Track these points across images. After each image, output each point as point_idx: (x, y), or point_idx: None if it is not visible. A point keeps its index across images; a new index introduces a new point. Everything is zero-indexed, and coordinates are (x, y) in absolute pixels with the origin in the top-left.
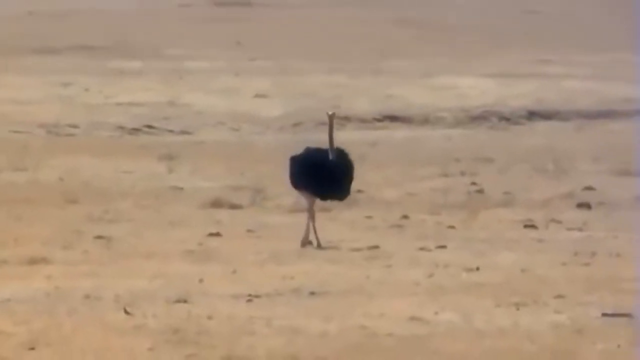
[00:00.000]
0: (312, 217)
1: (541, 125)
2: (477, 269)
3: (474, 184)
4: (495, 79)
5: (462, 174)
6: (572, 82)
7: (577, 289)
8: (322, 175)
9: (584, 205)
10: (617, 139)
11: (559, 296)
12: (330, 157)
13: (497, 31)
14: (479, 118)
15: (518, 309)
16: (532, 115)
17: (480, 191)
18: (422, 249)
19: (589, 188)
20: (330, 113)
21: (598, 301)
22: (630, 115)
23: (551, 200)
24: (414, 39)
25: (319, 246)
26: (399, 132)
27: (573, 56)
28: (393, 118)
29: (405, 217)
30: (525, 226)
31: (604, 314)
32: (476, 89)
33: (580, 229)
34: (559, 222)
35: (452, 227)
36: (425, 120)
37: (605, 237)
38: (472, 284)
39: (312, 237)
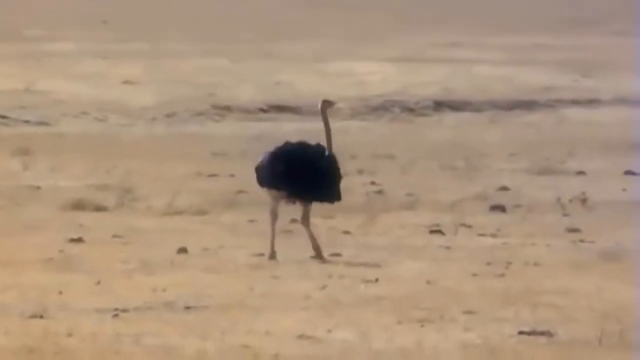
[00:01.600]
0: (307, 224)
1: (450, 117)
2: (376, 280)
3: (373, 183)
4: (397, 64)
5: (360, 172)
6: (484, 68)
7: (490, 303)
8: (315, 174)
9: (498, 208)
10: (535, 132)
11: (469, 311)
12: (327, 152)
13: (401, 9)
14: (379, 109)
15: (422, 326)
16: (440, 105)
17: (380, 192)
18: (313, 257)
19: (504, 188)
20: (328, 100)
21: (513, 317)
22: (550, 105)
23: (461, 202)
24: (305, 18)
25: (273, 258)
26: (288, 125)
27: (486, 38)
28: (281, 108)
29: (294, 221)
30: (431, 231)
31: (521, 332)
32: (376, 75)
33: (493, 235)
34: (470, 227)
35: (347, 232)
36: (318, 111)
37: (522, 244)
38: (371, 297)
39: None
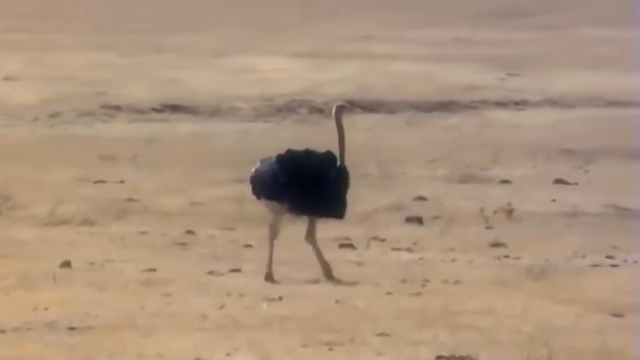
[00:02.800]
0: (313, 242)
1: (362, 119)
2: (280, 298)
3: None
4: (304, 59)
5: None
6: (400, 65)
7: (405, 324)
8: (325, 186)
9: (415, 220)
10: (456, 136)
11: (383, 334)
12: (339, 163)
13: None
14: (284, 109)
15: (331, 350)
16: (351, 106)
17: None
18: (210, 273)
19: (421, 198)
20: (342, 105)
21: (431, 340)
22: (472, 107)
23: (374, 213)
24: (203, 7)
25: (269, 278)
26: (183, 126)
27: (402, 32)
28: (175, 108)
29: (190, 232)
30: (341, 245)
31: (439, 357)
32: (281, 72)
33: (409, 249)
34: (383, 240)
35: (248, 245)
36: (216, 111)
37: (441, 260)
38: (274, 317)
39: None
